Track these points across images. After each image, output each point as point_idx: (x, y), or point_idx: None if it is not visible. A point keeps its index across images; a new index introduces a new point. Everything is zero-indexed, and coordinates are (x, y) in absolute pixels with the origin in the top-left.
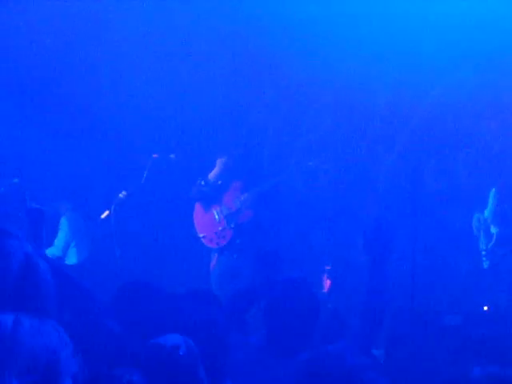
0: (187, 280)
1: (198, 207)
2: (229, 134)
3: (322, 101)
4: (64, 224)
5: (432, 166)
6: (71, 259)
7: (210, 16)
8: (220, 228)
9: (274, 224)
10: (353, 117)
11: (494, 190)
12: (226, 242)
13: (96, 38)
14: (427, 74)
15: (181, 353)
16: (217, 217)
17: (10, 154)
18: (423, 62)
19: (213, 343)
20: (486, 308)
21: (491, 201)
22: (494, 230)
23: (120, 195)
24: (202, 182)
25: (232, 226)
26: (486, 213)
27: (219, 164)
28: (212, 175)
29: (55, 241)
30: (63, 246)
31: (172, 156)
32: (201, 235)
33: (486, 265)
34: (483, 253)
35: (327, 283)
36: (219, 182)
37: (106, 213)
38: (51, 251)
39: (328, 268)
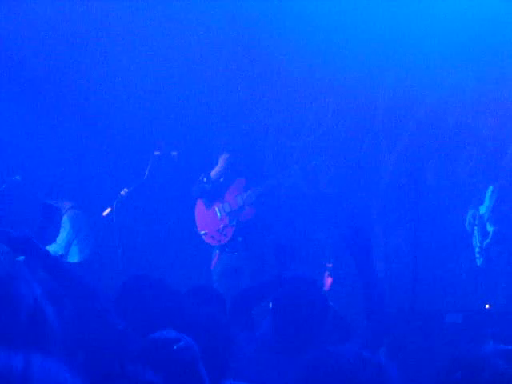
0: (189, 277)
1: (199, 204)
2: (230, 132)
3: (323, 99)
4: (66, 222)
5: (433, 165)
6: (73, 257)
7: (210, 15)
8: (222, 225)
9: (276, 222)
10: (354, 116)
11: (491, 187)
12: (228, 239)
13: (97, 36)
14: (428, 73)
15: (181, 345)
16: (219, 214)
17: (11, 151)
18: (424, 61)
19: (215, 340)
20: (486, 306)
21: (488, 198)
22: (490, 227)
23: (122, 192)
24: (204, 179)
25: (234, 223)
26: (482, 210)
27: (221, 161)
28: (214, 172)
29: (57, 239)
30: (65, 244)
31: (173, 153)
32: (202, 232)
33: (479, 262)
34: (477, 249)
35: (328, 281)
36: (221, 179)
37: (108, 210)
38: (53, 249)
39: (329, 266)
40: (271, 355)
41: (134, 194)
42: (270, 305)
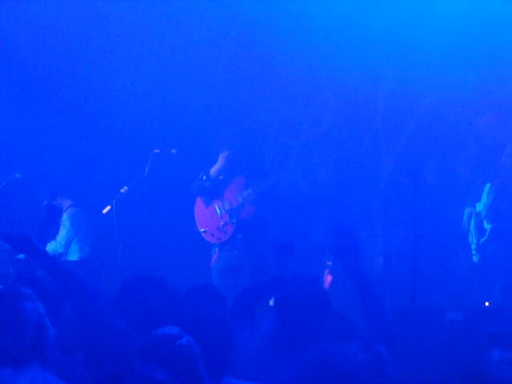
0: (189, 275)
1: (199, 202)
2: (230, 130)
3: (322, 98)
4: (66, 220)
5: (432, 163)
6: (73, 255)
7: (210, 13)
8: (222, 223)
9: (275, 220)
10: (353, 114)
11: (488, 185)
12: (228, 237)
13: (97, 33)
14: (427, 72)
15: (183, 341)
16: (218, 212)
17: (11, 149)
18: (423, 59)
19: (215, 338)
20: (483, 304)
21: (485, 196)
22: (487, 225)
23: (121, 190)
24: (204, 177)
25: (234, 221)
26: (479, 207)
27: (221, 159)
28: (213, 170)
29: (57, 237)
30: (65, 242)
31: (173, 151)
32: (201, 230)
33: (475, 259)
34: (473, 247)
35: (328, 279)
36: (220, 177)
37: (108, 208)
38: (53, 247)
39: (329, 264)
40: (272, 354)
41: (134, 192)
42: (271, 302)
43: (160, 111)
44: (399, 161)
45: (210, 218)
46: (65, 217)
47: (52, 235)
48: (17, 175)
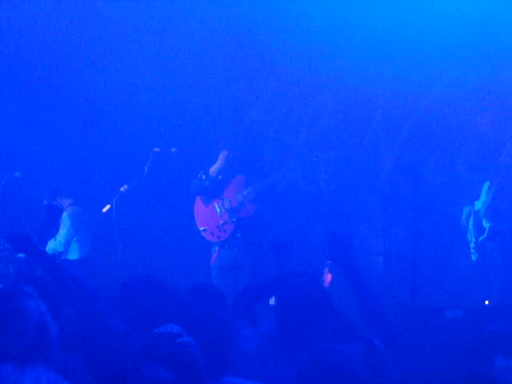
0: (189, 274)
1: (198, 201)
2: (229, 129)
3: (322, 96)
4: (66, 219)
5: (432, 162)
6: (73, 254)
7: (209, 12)
8: (221, 222)
9: (275, 219)
10: (353, 112)
11: (487, 183)
12: (227, 235)
13: (97, 32)
14: (427, 70)
15: (183, 339)
16: (218, 210)
17: (11, 148)
18: (423, 57)
19: (215, 337)
20: (482, 303)
21: (484, 194)
22: (486, 223)
23: (121, 189)
24: (203, 176)
25: (234, 219)
26: (478, 205)
27: (220, 158)
28: (213, 169)
29: (57, 236)
30: (65, 241)
31: (173, 150)
32: (201, 229)
33: (474, 257)
34: (472, 245)
35: (328, 277)
36: (220, 177)
37: (108, 207)
38: (53, 246)
39: (329, 262)
40: (272, 353)
41: (134, 191)
42: (271, 301)
43: (160, 110)
44: (399, 160)
45: (209, 217)
46: (65, 216)
47: (52, 234)
48: (17, 174)
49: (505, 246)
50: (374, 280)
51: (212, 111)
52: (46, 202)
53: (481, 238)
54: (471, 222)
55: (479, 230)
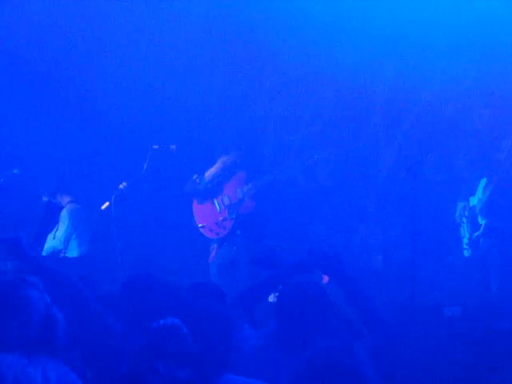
0: (188, 271)
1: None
2: (229, 126)
3: (321, 93)
4: (65, 216)
5: (431, 158)
6: (72, 251)
7: (209, 9)
8: (221, 218)
9: (274, 216)
10: (352, 109)
11: (484, 180)
12: (226, 232)
13: (96, 29)
14: (427, 67)
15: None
16: (218, 207)
17: (10, 145)
18: (423, 54)
19: (215, 335)
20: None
21: (480, 191)
22: (481, 220)
23: (120, 186)
24: (197, 180)
25: (233, 216)
26: (473, 201)
27: (219, 163)
28: (209, 173)
29: (56, 233)
30: (64, 239)
31: (172, 147)
32: (200, 225)
33: (467, 253)
34: (465, 240)
35: (326, 276)
36: (215, 182)
37: (107, 204)
38: (52, 244)
39: None
40: (273, 350)
41: (133, 188)
42: (270, 298)
43: (159, 107)
44: (398, 157)
45: (208, 214)
46: (64, 213)
47: (51, 231)
48: (15, 171)
49: (501, 243)
50: (372, 277)
51: (212, 108)
52: (45, 199)
53: (475, 234)
54: (465, 217)
55: (474, 226)
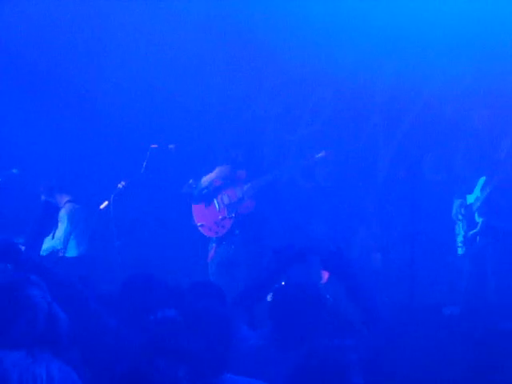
0: (186, 270)
1: None
2: (229, 125)
3: (321, 92)
4: (64, 216)
5: (430, 158)
6: (71, 251)
7: (210, 10)
8: (220, 217)
9: (274, 215)
10: (352, 109)
11: (483, 178)
12: (225, 231)
13: (95, 27)
14: (426, 66)
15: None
16: (217, 206)
17: (9, 145)
18: (422, 54)
19: (216, 335)
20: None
21: (479, 189)
22: (478, 218)
23: (119, 185)
24: (193, 184)
25: (232, 215)
26: (470, 199)
27: (216, 171)
28: (205, 179)
29: (55, 233)
30: (64, 238)
31: (171, 146)
32: (199, 224)
33: (461, 251)
34: (460, 238)
35: (326, 274)
36: (210, 189)
37: (106, 203)
38: (52, 244)
39: None
40: (270, 349)
41: (132, 187)
42: (268, 298)
43: (158, 107)
44: (397, 156)
45: (208, 212)
46: (62, 213)
47: (48, 231)
48: (14, 171)
49: (498, 242)
50: (371, 277)
51: (211, 108)
52: (43, 199)
53: (471, 233)
54: (461, 215)
55: (470, 223)
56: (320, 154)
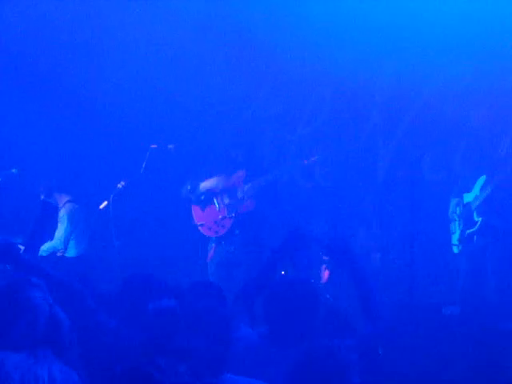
0: (187, 270)
1: None
2: (228, 125)
3: (320, 93)
4: (63, 216)
5: (430, 158)
6: (70, 251)
7: (209, 10)
8: (220, 217)
9: (274, 215)
10: (351, 109)
11: (484, 177)
12: (225, 231)
13: (95, 27)
14: (426, 66)
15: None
16: (217, 205)
17: (9, 144)
18: (422, 54)
19: (215, 335)
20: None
21: (478, 188)
22: (477, 217)
23: (118, 186)
24: (189, 188)
25: (232, 214)
26: (468, 198)
27: (214, 180)
28: (203, 185)
29: (56, 233)
30: (64, 239)
31: (170, 146)
32: (199, 223)
33: (456, 249)
34: (456, 236)
35: (326, 274)
36: (207, 195)
37: (105, 203)
38: (53, 244)
39: (326, 259)
40: (269, 348)
41: (131, 187)
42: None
43: (157, 107)
44: (396, 156)
45: (208, 212)
46: (62, 213)
47: (47, 231)
48: (14, 170)
49: (498, 241)
50: (371, 276)
51: (210, 108)
52: (42, 199)
53: (468, 231)
54: (457, 213)
55: (468, 222)
56: (313, 159)
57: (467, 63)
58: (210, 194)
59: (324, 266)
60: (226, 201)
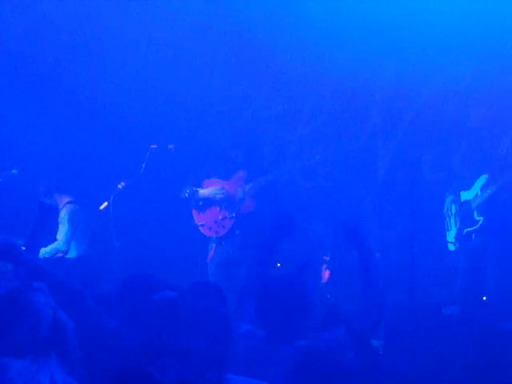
0: (187, 270)
1: None
2: (228, 125)
3: (320, 92)
4: (64, 217)
5: (429, 158)
6: (71, 252)
7: (209, 10)
8: (220, 217)
9: (273, 215)
10: (351, 109)
11: (485, 176)
12: (226, 231)
13: (95, 27)
14: (425, 67)
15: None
16: (218, 206)
17: (9, 145)
18: (422, 53)
19: (216, 335)
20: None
21: (478, 187)
22: (478, 217)
23: (119, 186)
24: (187, 194)
25: (233, 215)
26: (467, 196)
27: (213, 189)
28: (203, 193)
29: (57, 235)
30: (66, 240)
31: (170, 147)
32: (199, 224)
33: (452, 247)
34: (452, 233)
35: (326, 274)
36: (206, 202)
37: (105, 204)
38: (55, 246)
39: (327, 258)
40: (266, 346)
41: (131, 188)
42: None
43: (157, 107)
44: (396, 156)
45: (208, 212)
46: (63, 214)
47: (49, 233)
48: (14, 171)
49: (498, 241)
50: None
51: (210, 108)
52: (42, 200)
53: (466, 230)
54: (453, 211)
55: (465, 220)
56: (320, 154)
57: (467, 63)
58: (209, 200)
59: (325, 266)
60: (226, 203)
